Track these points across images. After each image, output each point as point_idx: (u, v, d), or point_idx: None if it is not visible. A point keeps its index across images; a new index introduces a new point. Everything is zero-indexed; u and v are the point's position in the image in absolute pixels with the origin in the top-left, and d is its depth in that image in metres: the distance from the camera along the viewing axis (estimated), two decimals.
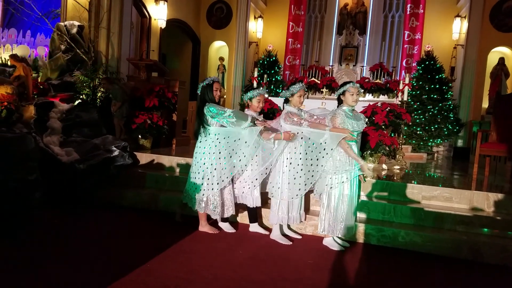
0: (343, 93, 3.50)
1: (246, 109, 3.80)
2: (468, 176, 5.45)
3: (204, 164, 3.59)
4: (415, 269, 3.15)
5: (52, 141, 4.89)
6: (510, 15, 9.26)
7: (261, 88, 3.80)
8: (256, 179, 3.63)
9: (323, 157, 3.43)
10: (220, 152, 3.56)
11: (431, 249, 3.51)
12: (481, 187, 4.42)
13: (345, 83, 3.53)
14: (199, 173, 3.62)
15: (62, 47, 7.25)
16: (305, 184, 3.50)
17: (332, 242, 3.51)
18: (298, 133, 3.49)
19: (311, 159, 3.47)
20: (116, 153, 4.71)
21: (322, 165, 3.45)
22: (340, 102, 3.58)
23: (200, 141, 3.64)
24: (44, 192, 4.10)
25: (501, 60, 9.60)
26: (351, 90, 3.44)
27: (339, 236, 3.55)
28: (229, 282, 2.65)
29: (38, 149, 4.25)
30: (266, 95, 3.74)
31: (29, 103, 5.67)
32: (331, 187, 3.43)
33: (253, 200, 3.73)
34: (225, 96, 11.30)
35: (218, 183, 3.57)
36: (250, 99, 3.76)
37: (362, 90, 3.49)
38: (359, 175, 3.49)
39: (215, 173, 3.56)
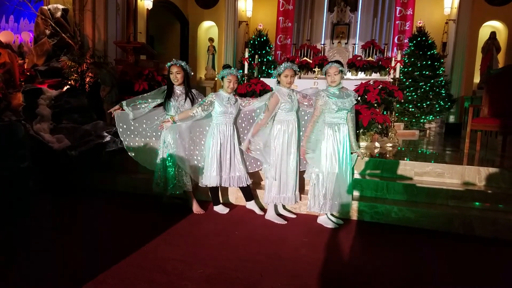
0: (324, 74, 3.53)
1: (220, 90, 3.76)
2: (460, 151, 5.50)
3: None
4: (408, 244, 3.20)
5: (42, 128, 4.83)
6: None
7: (233, 68, 3.73)
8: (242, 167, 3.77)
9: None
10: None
11: (423, 224, 3.57)
12: (473, 162, 4.47)
13: (327, 63, 3.52)
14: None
15: (47, 31, 7.08)
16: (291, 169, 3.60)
17: (326, 220, 3.56)
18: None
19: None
20: (107, 138, 4.67)
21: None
22: None
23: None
24: (37, 180, 4.09)
25: (493, 35, 9.58)
26: (329, 71, 3.46)
27: (333, 213, 3.60)
28: (225, 263, 2.68)
29: (29, 137, 4.21)
30: (238, 76, 3.70)
31: (16, 90, 5.57)
32: (317, 168, 3.48)
33: (245, 179, 3.79)
34: (216, 78, 11.19)
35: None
36: (222, 78, 3.73)
37: (346, 71, 3.49)
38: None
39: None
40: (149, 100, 3.85)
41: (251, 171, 3.94)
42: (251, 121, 3.90)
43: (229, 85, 3.68)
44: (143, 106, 3.84)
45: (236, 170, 3.77)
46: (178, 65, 3.77)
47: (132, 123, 3.91)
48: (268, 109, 3.53)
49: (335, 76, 3.43)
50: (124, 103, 3.84)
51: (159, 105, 3.91)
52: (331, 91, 3.46)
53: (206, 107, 3.66)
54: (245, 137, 3.80)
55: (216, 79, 11.18)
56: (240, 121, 3.90)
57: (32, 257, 2.67)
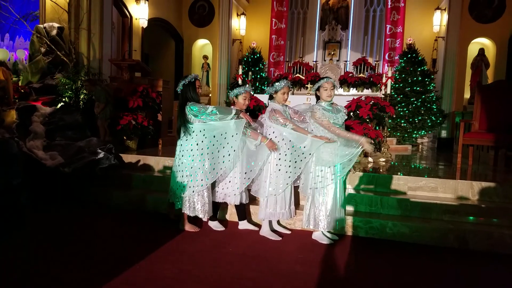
0: (318, 88, 3.57)
1: (232, 107, 3.80)
2: (453, 166, 5.55)
3: (190, 163, 3.57)
4: (403, 259, 3.19)
5: (36, 146, 4.81)
6: (489, 6, 9.44)
7: (247, 85, 3.80)
8: (237, 187, 3.66)
9: (301, 160, 3.51)
10: (203, 149, 3.55)
11: (418, 239, 3.56)
12: (465, 176, 4.51)
13: (320, 79, 3.57)
14: (183, 171, 3.61)
15: (42, 49, 7.12)
16: (281, 184, 3.54)
17: (321, 236, 3.54)
18: (282, 139, 3.53)
19: (290, 161, 3.52)
20: (101, 155, 4.66)
21: (300, 168, 3.52)
22: (318, 98, 3.64)
23: (186, 139, 3.61)
24: (30, 196, 4.04)
25: (481, 51, 9.79)
26: (325, 86, 3.49)
27: (328, 230, 3.59)
28: (220, 280, 2.65)
29: (22, 154, 4.18)
30: (252, 92, 3.74)
31: (10, 107, 5.56)
32: (315, 183, 3.47)
33: (240, 197, 3.73)
34: (210, 95, 11.26)
35: (203, 182, 3.56)
36: (236, 96, 3.76)
37: (338, 86, 3.55)
38: (364, 147, 3.43)
39: (199, 172, 3.55)
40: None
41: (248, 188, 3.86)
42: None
43: (245, 102, 3.73)
44: None
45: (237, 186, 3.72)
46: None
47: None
48: (285, 120, 3.50)
49: (332, 91, 3.48)
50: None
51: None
52: (324, 105, 3.50)
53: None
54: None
55: (210, 95, 11.24)
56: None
57: (21, 273, 2.62)
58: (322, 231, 3.55)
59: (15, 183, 3.49)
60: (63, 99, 6.66)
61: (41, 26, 7.24)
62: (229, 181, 3.71)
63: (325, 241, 3.50)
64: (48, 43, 7.05)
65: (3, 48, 9.05)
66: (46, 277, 2.61)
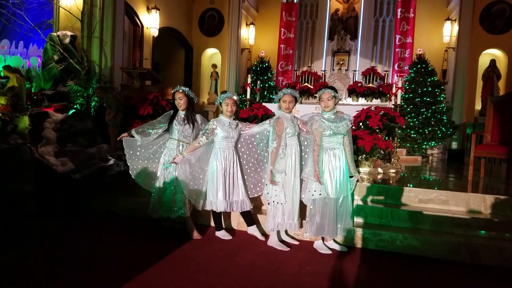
0: (319, 99, 3.57)
1: (220, 115, 3.84)
2: (464, 178, 5.48)
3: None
4: (413, 273, 3.14)
5: (47, 151, 4.85)
6: (500, 17, 9.39)
7: (228, 92, 3.85)
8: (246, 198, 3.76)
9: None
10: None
11: (429, 252, 3.51)
12: (477, 189, 4.44)
13: (320, 89, 3.57)
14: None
15: (55, 57, 7.23)
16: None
17: (321, 246, 3.53)
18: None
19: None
20: (111, 162, 4.69)
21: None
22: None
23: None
24: (40, 202, 4.08)
25: (493, 62, 9.72)
26: (322, 97, 3.48)
27: (335, 240, 3.58)
28: None
29: (33, 160, 4.23)
30: (235, 98, 3.80)
31: (23, 113, 5.64)
32: (313, 193, 3.46)
33: (247, 204, 3.77)
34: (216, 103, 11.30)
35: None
36: (220, 103, 3.81)
37: (337, 95, 3.54)
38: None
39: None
40: (157, 126, 3.91)
41: (251, 197, 3.91)
42: (250, 146, 3.90)
43: (227, 108, 3.74)
44: (152, 132, 3.90)
45: (240, 194, 3.75)
46: (181, 91, 3.87)
47: (139, 148, 3.95)
48: (277, 135, 3.52)
49: (328, 101, 3.46)
50: (133, 130, 3.92)
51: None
52: (325, 116, 3.48)
53: (209, 134, 3.70)
54: (243, 162, 3.82)
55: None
56: (239, 145, 3.91)
57: (28, 282, 2.63)
58: (322, 241, 3.55)
59: (27, 189, 3.53)
60: (75, 106, 6.74)
61: (55, 34, 7.37)
62: (234, 190, 3.74)
63: (324, 250, 3.49)
64: (61, 51, 7.16)
65: (17, 55, 9.22)
66: (61, 269, 2.62)
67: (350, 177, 3.56)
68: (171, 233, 3.86)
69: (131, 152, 3.96)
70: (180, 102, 3.86)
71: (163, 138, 3.97)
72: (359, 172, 3.78)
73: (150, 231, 3.93)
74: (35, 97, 6.83)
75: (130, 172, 4.00)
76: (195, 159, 3.74)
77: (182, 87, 3.90)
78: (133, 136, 3.90)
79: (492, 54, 9.75)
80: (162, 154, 3.91)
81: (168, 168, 3.80)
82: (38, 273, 2.80)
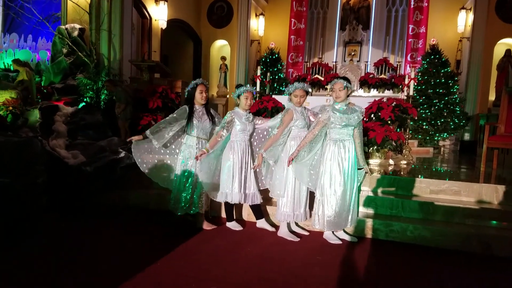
0: (330, 89, 3.54)
1: (236, 108, 3.79)
2: (476, 169, 5.39)
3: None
4: (424, 263, 3.11)
5: (58, 144, 4.90)
6: None
7: (248, 85, 3.80)
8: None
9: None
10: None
11: (440, 243, 3.47)
12: (490, 180, 4.37)
13: (331, 80, 3.53)
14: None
15: (64, 50, 7.26)
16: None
17: (330, 236, 3.53)
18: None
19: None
20: (122, 154, 4.72)
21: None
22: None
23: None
24: (51, 196, 4.13)
25: (508, 52, 9.48)
26: (334, 87, 3.44)
27: (345, 230, 3.56)
28: (239, 280, 2.64)
29: (45, 153, 4.27)
30: (254, 93, 3.76)
31: (33, 107, 5.70)
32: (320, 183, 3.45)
33: (258, 197, 3.77)
34: (228, 96, 11.29)
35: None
36: (238, 96, 3.76)
37: (349, 85, 3.49)
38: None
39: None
40: (173, 123, 3.76)
41: (262, 188, 3.91)
42: (263, 139, 3.90)
43: (246, 102, 3.71)
44: (167, 131, 3.76)
45: (252, 187, 3.75)
46: (204, 84, 3.82)
47: (150, 150, 3.83)
48: (282, 124, 3.52)
49: (340, 92, 3.41)
50: (148, 132, 3.74)
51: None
52: (337, 107, 3.44)
53: (229, 127, 3.68)
54: (255, 155, 3.81)
55: (227, 96, 11.27)
56: (252, 139, 3.90)
57: (42, 274, 2.67)
58: (332, 231, 3.54)
59: (39, 182, 3.57)
60: (85, 99, 6.78)
61: (63, 27, 7.40)
62: (247, 182, 3.74)
63: (333, 240, 3.48)
64: (70, 44, 7.20)
65: (26, 49, 9.29)
66: (64, 279, 2.65)
67: (359, 169, 3.53)
68: (183, 224, 3.87)
69: (139, 160, 3.83)
70: (204, 95, 3.80)
71: (178, 135, 3.91)
72: (368, 164, 3.73)
73: (162, 222, 3.96)
74: (45, 91, 6.88)
75: (138, 164, 3.87)
76: (212, 153, 3.75)
77: (204, 80, 3.86)
78: (147, 137, 3.75)
79: (507, 43, 9.51)
80: (179, 151, 3.84)
81: (188, 164, 3.76)
82: (51, 264, 2.85)
